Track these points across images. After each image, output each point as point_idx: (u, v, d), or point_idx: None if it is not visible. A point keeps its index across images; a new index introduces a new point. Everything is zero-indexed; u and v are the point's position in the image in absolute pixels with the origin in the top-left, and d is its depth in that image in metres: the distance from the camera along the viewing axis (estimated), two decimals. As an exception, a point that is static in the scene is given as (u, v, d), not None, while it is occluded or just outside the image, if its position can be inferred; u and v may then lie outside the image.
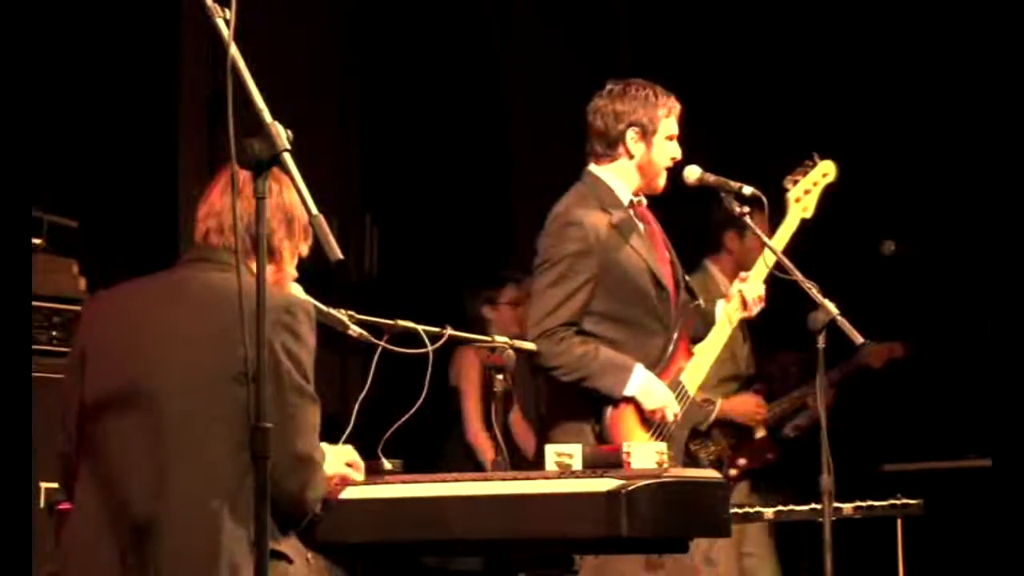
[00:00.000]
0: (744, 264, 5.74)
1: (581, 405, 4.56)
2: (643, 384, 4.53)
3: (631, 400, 4.54)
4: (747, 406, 6.14)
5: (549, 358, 4.53)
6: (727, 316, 4.78)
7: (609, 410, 4.53)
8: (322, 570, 3.47)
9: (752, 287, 4.78)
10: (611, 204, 4.68)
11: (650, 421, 4.57)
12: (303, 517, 3.23)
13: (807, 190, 4.91)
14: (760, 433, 6.20)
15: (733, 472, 6.03)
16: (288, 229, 3.33)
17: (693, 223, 5.93)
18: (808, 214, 4.91)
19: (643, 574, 4.50)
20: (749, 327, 5.57)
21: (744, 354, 6.21)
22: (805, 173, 4.93)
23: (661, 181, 4.75)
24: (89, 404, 3.20)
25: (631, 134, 4.68)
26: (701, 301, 4.84)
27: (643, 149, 4.70)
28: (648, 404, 4.54)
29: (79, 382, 3.23)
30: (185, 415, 3.10)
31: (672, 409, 4.57)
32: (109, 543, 3.09)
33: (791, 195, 4.89)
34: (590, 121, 4.75)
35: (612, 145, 4.70)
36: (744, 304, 4.77)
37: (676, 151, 4.73)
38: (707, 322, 4.81)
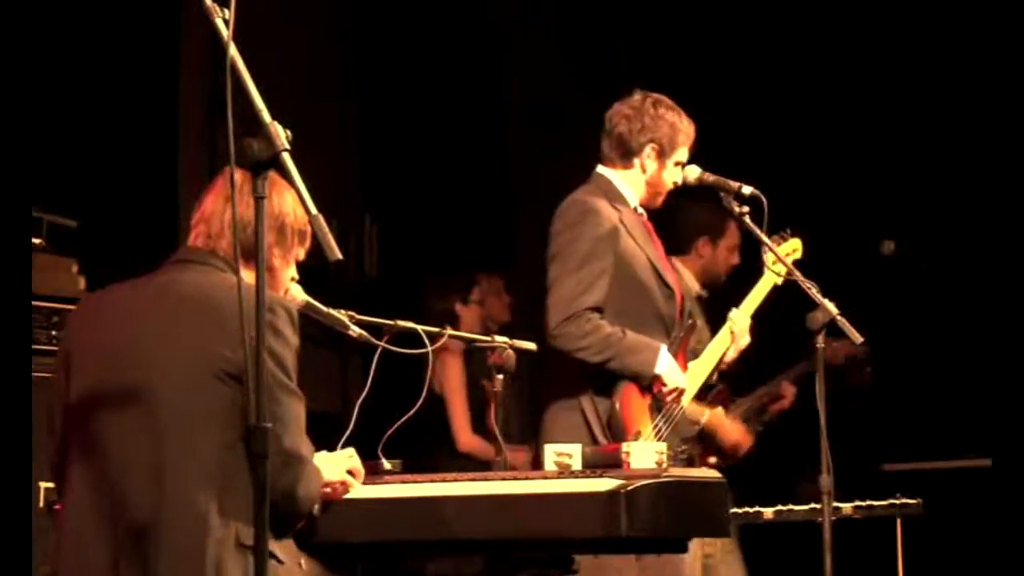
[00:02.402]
0: (710, 272, 5.77)
1: (579, 389, 4.56)
2: (669, 364, 4.56)
3: (646, 384, 4.55)
4: (734, 436, 5.74)
5: (575, 339, 4.50)
6: (720, 341, 4.83)
7: (623, 387, 4.52)
8: (316, 575, 3.45)
9: (741, 319, 4.85)
10: (619, 203, 4.70)
11: (656, 407, 4.58)
12: (299, 516, 3.23)
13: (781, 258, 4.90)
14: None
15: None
16: (278, 236, 3.33)
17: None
18: (780, 280, 4.91)
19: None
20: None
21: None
22: (779, 243, 4.93)
23: (661, 200, 4.81)
24: (77, 404, 3.19)
25: (649, 150, 4.70)
26: (697, 321, 4.87)
27: (655, 167, 4.73)
28: (671, 383, 4.55)
29: (64, 385, 3.23)
30: (181, 414, 3.10)
31: (685, 396, 4.62)
32: (104, 541, 3.09)
33: (768, 258, 4.88)
34: (612, 125, 4.75)
35: (628, 155, 4.72)
36: (732, 336, 4.83)
37: (680, 177, 4.76)
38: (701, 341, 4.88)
